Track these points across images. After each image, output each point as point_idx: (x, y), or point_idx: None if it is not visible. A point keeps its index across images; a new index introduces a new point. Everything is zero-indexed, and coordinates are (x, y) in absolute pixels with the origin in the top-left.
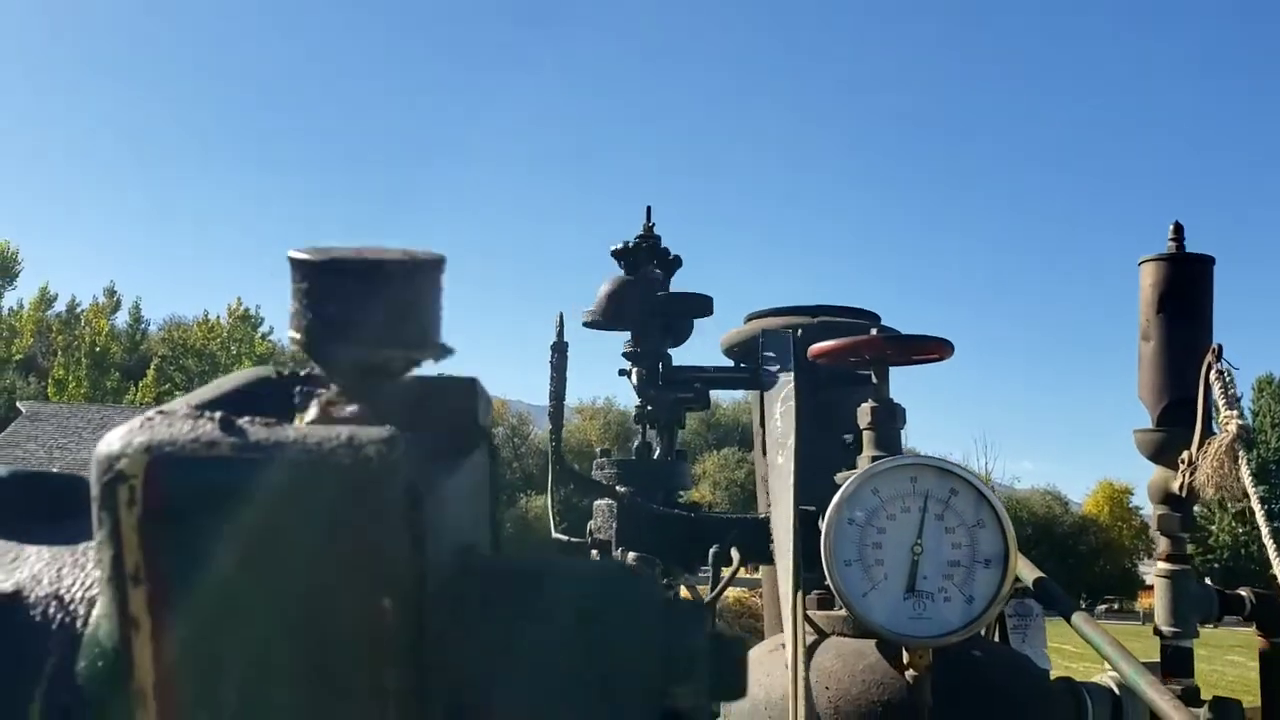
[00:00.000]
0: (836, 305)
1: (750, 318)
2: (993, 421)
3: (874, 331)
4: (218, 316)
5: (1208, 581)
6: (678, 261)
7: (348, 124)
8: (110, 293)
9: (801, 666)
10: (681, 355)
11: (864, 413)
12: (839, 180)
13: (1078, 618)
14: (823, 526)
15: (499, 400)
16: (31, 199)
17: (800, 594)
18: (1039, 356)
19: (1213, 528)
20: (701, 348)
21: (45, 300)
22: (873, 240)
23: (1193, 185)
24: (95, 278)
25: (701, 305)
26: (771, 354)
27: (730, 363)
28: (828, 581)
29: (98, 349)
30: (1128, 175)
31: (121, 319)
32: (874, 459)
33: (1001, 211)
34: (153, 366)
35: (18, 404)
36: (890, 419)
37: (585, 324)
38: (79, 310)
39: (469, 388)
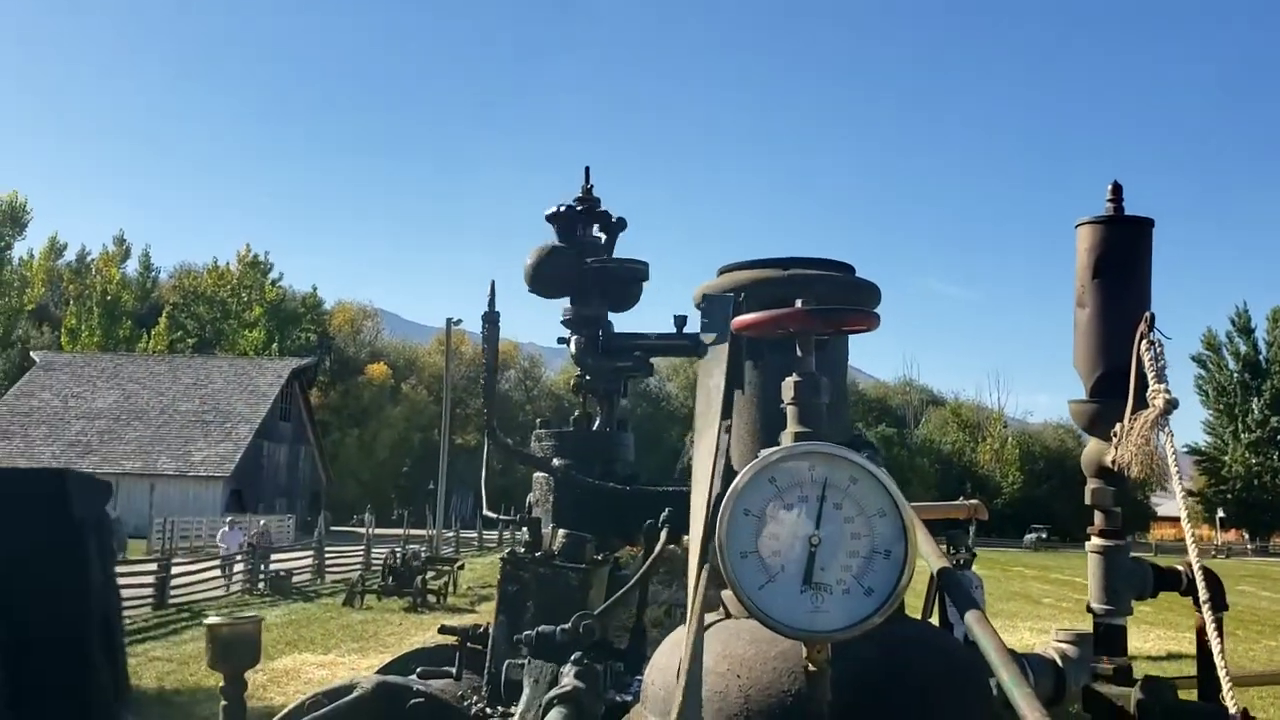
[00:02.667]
0: (809, 257)
1: (723, 270)
2: (1008, 356)
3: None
4: (227, 263)
5: (1140, 557)
6: (621, 224)
7: (345, 77)
8: (120, 241)
9: (696, 648)
10: (630, 322)
11: (787, 387)
12: (834, 127)
13: (970, 617)
14: (718, 518)
15: (509, 343)
16: (39, 149)
17: (705, 575)
18: (1054, 289)
19: (1225, 459)
20: (656, 313)
21: (55, 250)
22: (866, 178)
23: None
24: (105, 226)
25: (636, 271)
26: (709, 320)
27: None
28: (723, 574)
29: (109, 297)
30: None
31: (132, 267)
32: (796, 436)
33: (1010, 141)
34: (164, 314)
35: (32, 354)
36: (814, 393)
37: (530, 290)
38: (89, 259)
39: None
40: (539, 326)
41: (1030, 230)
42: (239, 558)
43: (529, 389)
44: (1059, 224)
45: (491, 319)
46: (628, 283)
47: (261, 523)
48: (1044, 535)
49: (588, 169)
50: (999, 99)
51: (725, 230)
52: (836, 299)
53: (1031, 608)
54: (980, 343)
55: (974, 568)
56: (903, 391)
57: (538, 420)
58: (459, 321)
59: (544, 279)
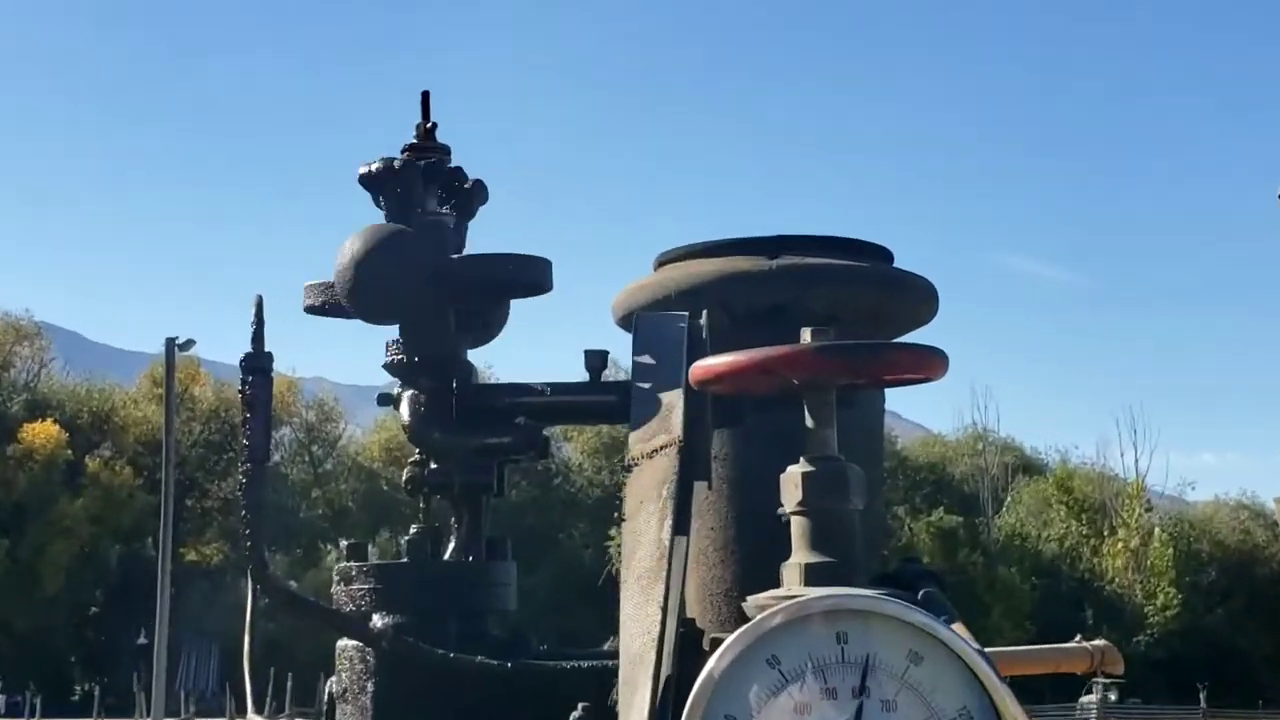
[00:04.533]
0: (813, 236)
1: (664, 261)
2: (1148, 385)
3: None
4: None
5: None
6: (480, 193)
7: None
8: None
9: None
10: (496, 359)
11: (791, 484)
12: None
13: None
14: None
15: (282, 379)
16: None
17: None
18: (1215, 303)
19: None
20: (553, 348)
21: None
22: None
23: None
24: None
25: (529, 272)
26: (649, 358)
27: (624, 348)
28: None
29: None
30: None
31: None
32: (811, 573)
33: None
34: None
35: None
36: (837, 494)
37: (308, 308)
38: None
39: None
40: (332, 352)
41: (1177, 180)
42: None
43: (317, 461)
44: (1231, 178)
45: (258, 365)
46: (500, 297)
47: None
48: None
49: (427, 95)
50: None
51: (679, 194)
52: (866, 312)
53: None
54: (1098, 358)
55: None
56: (972, 449)
57: (342, 543)
58: (188, 344)
59: (381, 288)
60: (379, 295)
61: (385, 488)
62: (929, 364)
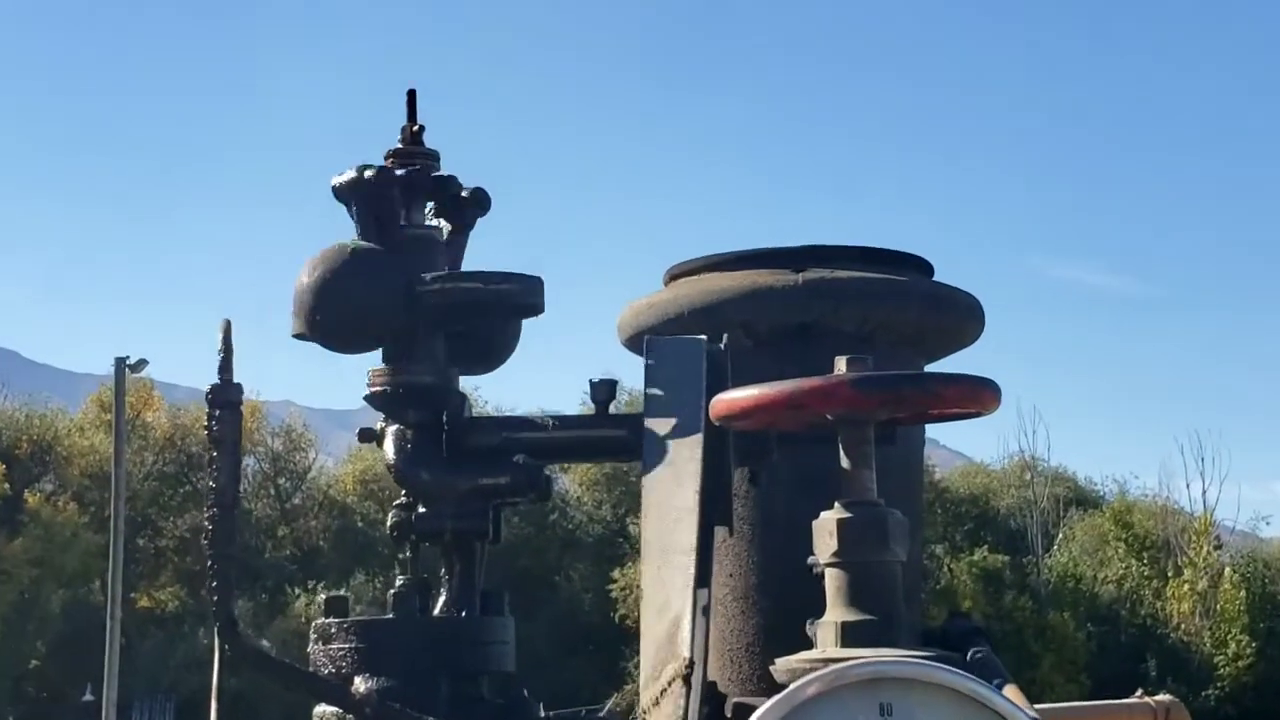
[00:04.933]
0: (843, 246)
1: (675, 275)
2: (1214, 416)
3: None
4: None
5: None
6: (479, 202)
7: None
8: None
9: None
10: (483, 383)
11: (825, 532)
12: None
13: None
14: None
15: (246, 403)
16: None
17: None
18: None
19: None
20: (554, 374)
21: None
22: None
23: None
24: None
25: (522, 293)
26: (659, 389)
27: (630, 373)
28: None
29: None
30: None
31: None
32: (849, 633)
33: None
34: None
35: None
36: (877, 542)
37: (296, 335)
38: None
39: None
40: (301, 374)
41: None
42: None
43: (284, 495)
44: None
45: (226, 398)
46: (501, 320)
47: None
48: None
49: (413, 94)
50: None
51: (697, 206)
52: (904, 332)
53: None
54: (1160, 376)
55: None
56: (1018, 480)
57: (320, 594)
58: (140, 364)
59: (340, 317)
60: (342, 322)
61: (360, 524)
62: (980, 398)
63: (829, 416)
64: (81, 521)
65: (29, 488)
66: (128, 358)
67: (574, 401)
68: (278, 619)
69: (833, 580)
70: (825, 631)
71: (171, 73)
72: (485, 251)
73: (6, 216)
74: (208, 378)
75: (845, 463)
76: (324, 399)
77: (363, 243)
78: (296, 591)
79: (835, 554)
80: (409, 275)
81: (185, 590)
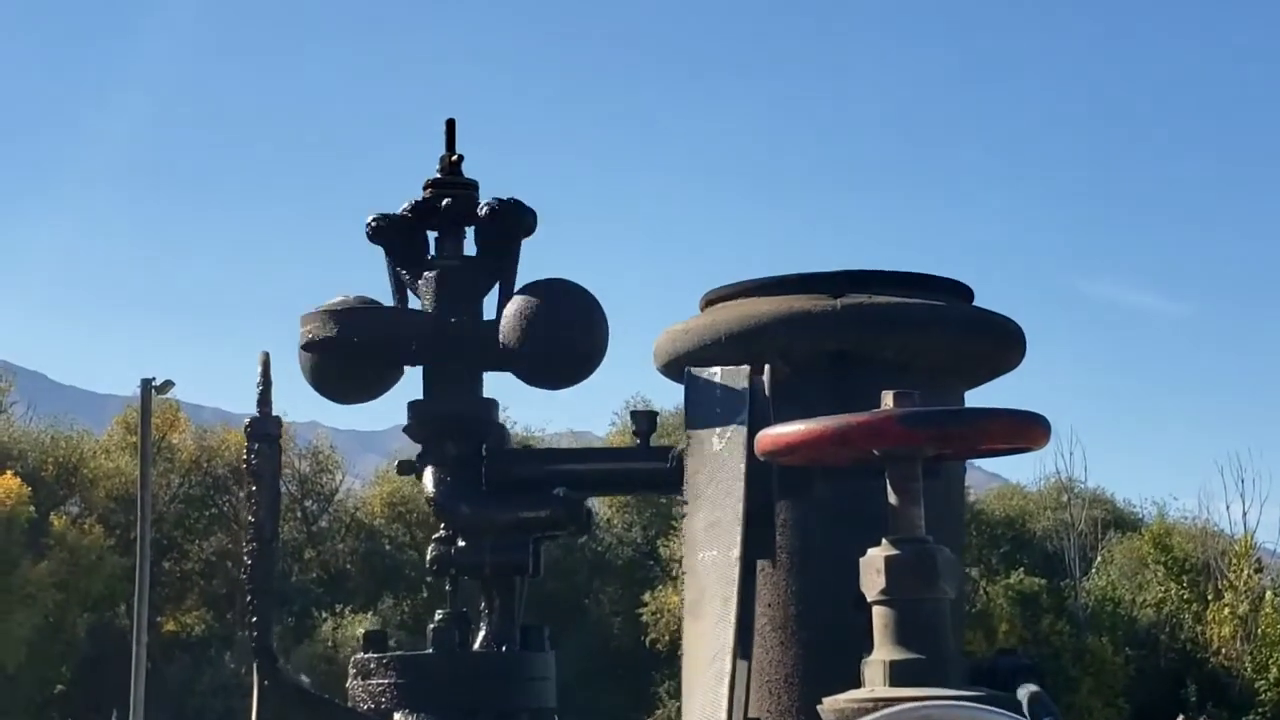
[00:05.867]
0: (882, 271)
1: (711, 301)
2: (1254, 437)
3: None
4: None
5: None
6: (521, 222)
7: None
8: None
9: None
10: (523, 411)
11: (873, 569)
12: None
13: None
14: None
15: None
16: None
17: None
18: None
19: None
20: (594, 399)
21: None
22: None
23: None
24: None
25: (584, 328)
26: (701, 424)
27: (666, 399)
28: None
29: None
30: None
31: None
32: (897, 672)
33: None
34: None
35: None
36: (925, 579)
37: (311, 382)
38: None
39: None
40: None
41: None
42: None
43: (311, 517)
44: None
45: (265, 431)
46: (560, 353)
47: None
48: None
49: (452, 124)
50: None
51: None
52: (944, 359)
53: None
54: (1200, 397)
55: None
56: (1056, 502)
57: (361, 632)
58: (165, 385)
59: (341, 376)
60: (349, 379)
61: (388, 548)
62: (1029, 434)
63: (876, 452)
64: (107, 544)
65: (54, 510)
66: (154, 379)
67: (604, 423)
68: (304, 642)
69: (880, 617)
70: (873, 670)
71: (192, 96)
72: (526, 275)
73: (36, 240)
74: (234, 399)
75: (893, 499)
76: (351, 420)
77: (372, 301)
78: (323, 615)
79: (883, 591)
80: (406, 328)
81: (211, 614)
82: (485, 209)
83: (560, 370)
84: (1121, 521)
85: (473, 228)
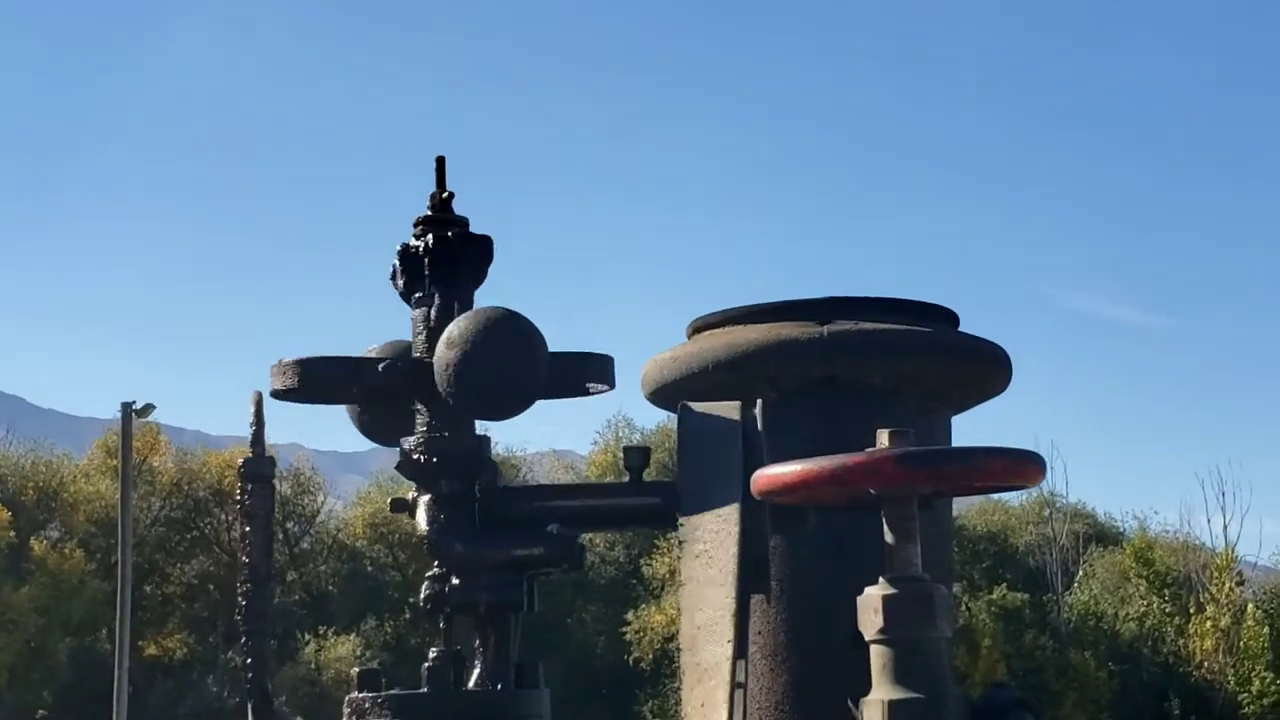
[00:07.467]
0: (871, 298)
1: (699, 328)
2: (1235, 450)
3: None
4: None
5: None
6: (464, 254)
7: None
8: None
9: None
10: (504, 433)
11: (870, 609)
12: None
13: None
14: None
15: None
16: None
17: None
18: None
19: None
20: (557, 409)
21: None
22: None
23: None
24: None
25: (578, 365)
26: (694, 462)
27: (656, 437)
28: None
29: None
30: None
31: None
32: (890, 708)
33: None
34: None
35: None
36: (923, 618)
37: (277, 390)
38: None
39: None
40: (309, 416)
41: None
42: None
43: (293, 539)
44: None
45: (259, 472)
46: (486, 394)
47: None
48: None
49: (441, 160)
50: None
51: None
52: (930, 385)
53: None
54: (1181, 410)
55: None
56: (1037, 516)
57: (355, 667)
58: (146, 409)
59: (374, 424)
60: (380, 434)
61: (370, 569)
62: (1025, 472)
63: (874, 491)
64: (88, 569)
65: (35, 535)
66: (134, 402)
67: (585, 442)
68: (288, 664)
69: (879, 657)
70: (871, 710)
71: (174, 122)
72: (516, 299)
73: (17, 263)
74: (214, 422)
75: (889, 537)
76: (332, 441)
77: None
78: (306, 637)
79: (880, 630)
80: (428, 344)
81: (193, 637)
82: (425, 245)
83: (486, 407)
84: (1103, 536)
85: (427, 260)
